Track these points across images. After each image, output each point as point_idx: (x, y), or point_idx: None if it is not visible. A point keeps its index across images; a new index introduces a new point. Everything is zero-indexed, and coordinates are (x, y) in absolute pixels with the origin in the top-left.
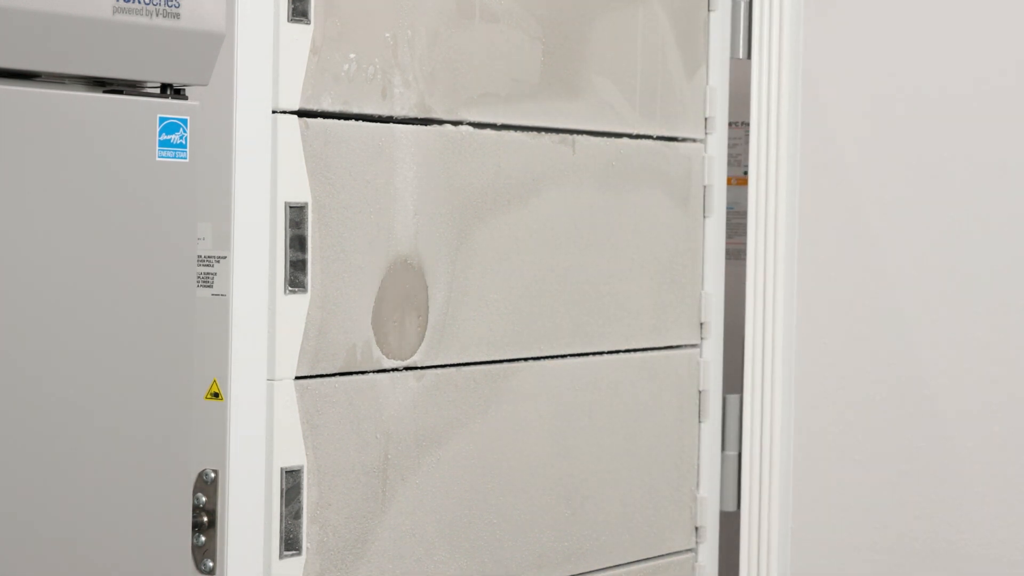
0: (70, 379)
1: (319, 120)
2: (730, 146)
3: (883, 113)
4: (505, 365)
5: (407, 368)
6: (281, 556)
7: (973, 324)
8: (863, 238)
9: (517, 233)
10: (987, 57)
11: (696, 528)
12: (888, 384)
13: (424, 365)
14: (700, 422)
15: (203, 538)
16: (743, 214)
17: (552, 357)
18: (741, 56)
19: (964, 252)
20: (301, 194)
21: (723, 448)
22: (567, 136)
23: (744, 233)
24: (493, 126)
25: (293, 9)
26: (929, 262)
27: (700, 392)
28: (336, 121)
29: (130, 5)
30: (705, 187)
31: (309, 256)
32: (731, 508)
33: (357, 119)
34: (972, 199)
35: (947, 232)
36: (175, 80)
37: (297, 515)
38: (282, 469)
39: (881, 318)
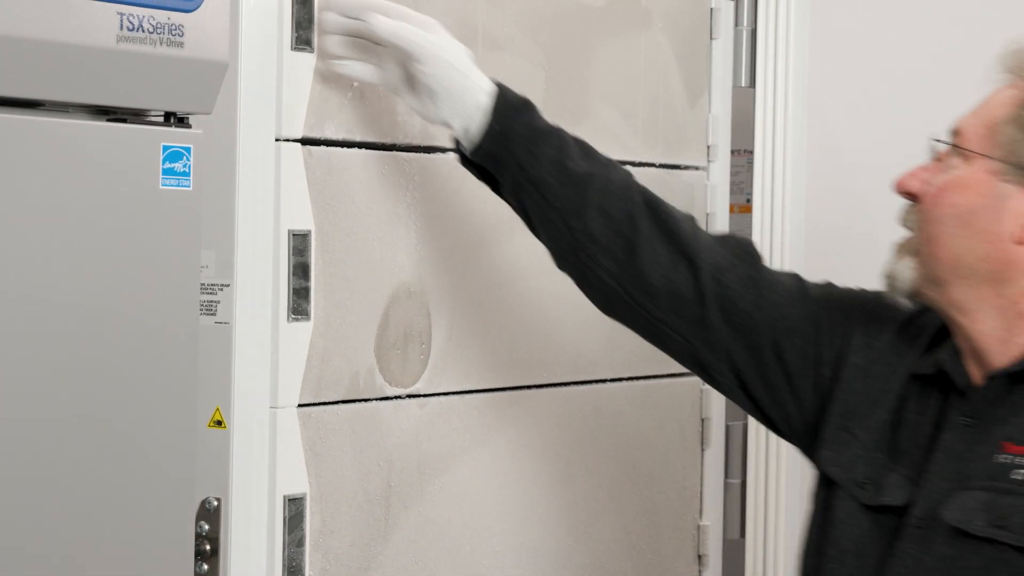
0: (72, 406)
1: (322, 148)
2: (733, 174)
3: (891, 140)
4: (508, 393)
5: (410, 396)
6: None
7: None
8: (871, 268)
9: (520, 261)
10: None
11: (699, 556)
12: None
13: (427, 393)
14: (703, 450)
15: (206, 566)
16: None
17: (555, 385)
18: (744, 84)
19: None
20: (304, 222)
21: (727, 476)
22: None
23: None
24: None
25: (296, 38)
26: None
27: (703, 420)
28: (339, 149)
29: (134, 34)
30: (708, 215)
31: (312, 284)
32: (735, 536)
33: (360, 147)
34: None
35: None
36: (179, 109)
37: (300, 543)
38: (285, 497)
39: None
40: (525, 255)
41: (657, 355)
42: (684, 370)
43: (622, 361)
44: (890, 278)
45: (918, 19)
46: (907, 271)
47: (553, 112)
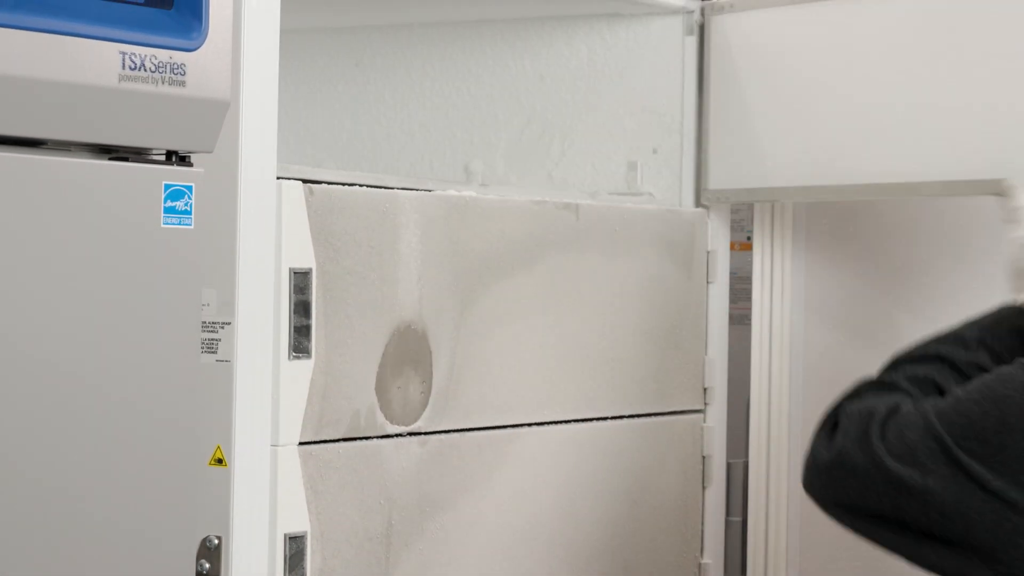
0: (74, 444)
1: (323, 186)
2: (733, 212)
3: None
4: (509, 431)
5: (411, 433)
6: None
7: None
8: (870, 303)
9: (521, 298)
10: None
11: None
12: None
13: (428, 431)
14: (704, 488)
15: None
16: (746, 279)
17: (556, 423)
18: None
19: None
20: (305, 260)
21: (728, 514)
22: (571, 203)
23: (747, 298)
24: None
25: None
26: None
27: (704, 457)
28: (340, 187)
29: (136, 73)
30: (708, 252)
31: (313, 322)
32: (736, 574)
33: (361, 185)
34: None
35: (955, 297)
36: (180, 147)
37: None
38: (286, 535)
39: None
40: (526, 293)
41: (658, 392)
42: (685, 407)
43: (623, 398)
44: None
45: None
46: None
47: None
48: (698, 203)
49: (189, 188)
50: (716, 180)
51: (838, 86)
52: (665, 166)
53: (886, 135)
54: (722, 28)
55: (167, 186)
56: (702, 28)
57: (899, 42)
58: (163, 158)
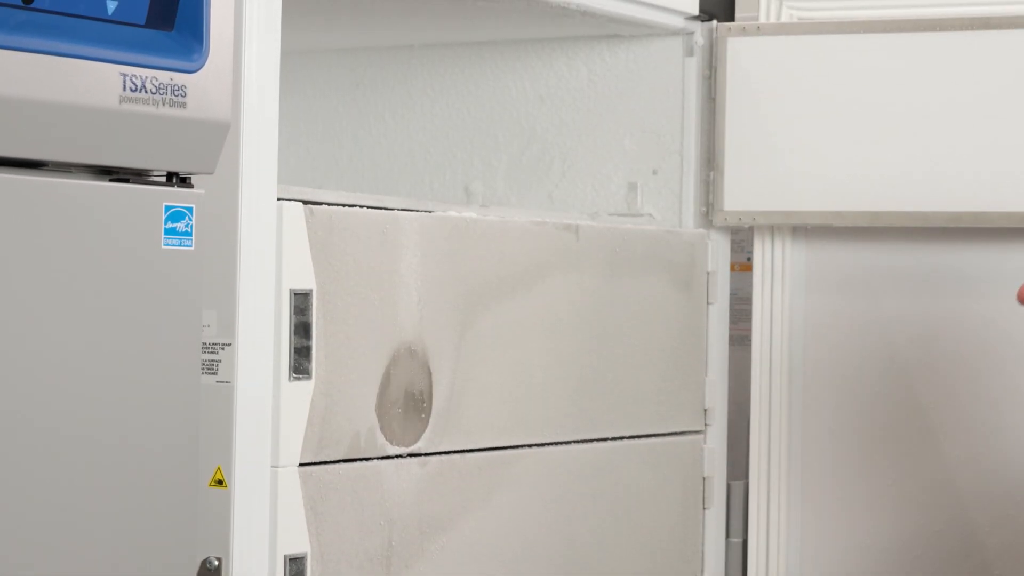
0: (74, 464)
1: (324, 207)
2: (733, 232)
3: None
4: (509, 452)
5: (411, 455)
6: None
7: (988, 409)
8: (871, 321)
9: (521, 319)
10: None
11: None
12: (897, 471)
13: (428, 452)
14: (705, 509)
15: None
16: (746, 300)
17: (556, 444)
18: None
19: (972, 330)
20: (306, 281)
21: (728, 535)
22: (571, 224)
23: (748, 319)
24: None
25: None
26: (938, 343)
27: (705, 478)
28: (341, 208)
29: (137, 95)
30: (708, 273)
31: (313, 343)
32: None
33: (362, 206)
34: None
35: (954, 315)
36: (181, 169)
37: None
38: (286, 556)
39: (889, 404)
40: (526, 315)
41: (658, 414)
42: (686, 428)
43: (623, 419)
44: None
45: None
46: None
47: None
48: (709, 224)
49: (190, 209)
50: (732, 201)
51: (856, 114)
52: (665, 187)
53: (907, 164)
54: (738, 51)
55: (168, 207)
56: (711, 50)
57: (920, 74)
58: (164, 179)
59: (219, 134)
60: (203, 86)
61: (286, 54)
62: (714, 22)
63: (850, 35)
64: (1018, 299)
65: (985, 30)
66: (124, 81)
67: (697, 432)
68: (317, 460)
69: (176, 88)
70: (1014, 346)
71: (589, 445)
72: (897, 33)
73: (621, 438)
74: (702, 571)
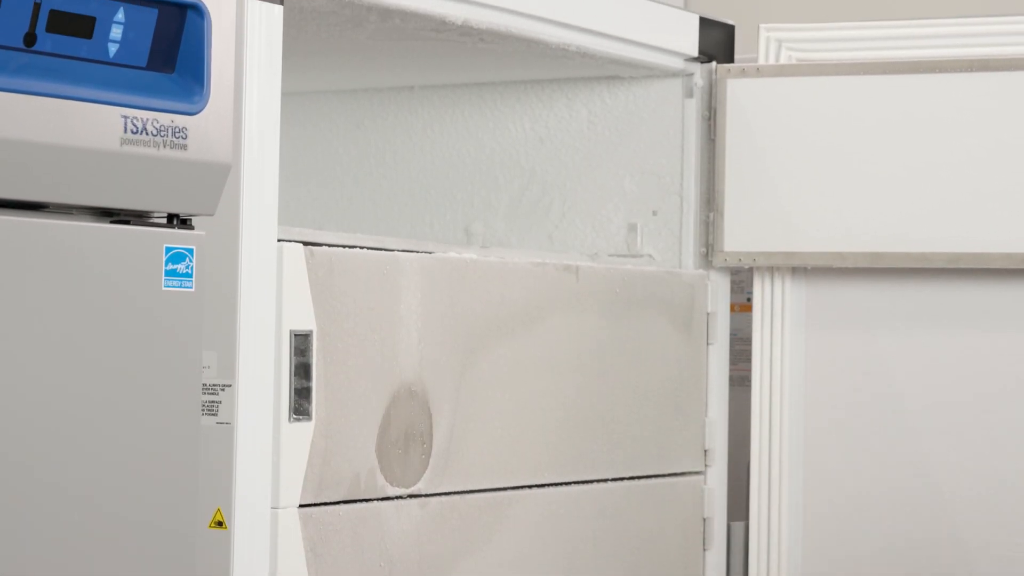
0: (74, 506)
1: (324, 248)
2: (733, 274)
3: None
4: (509, 492)
5: (411, 496)
6: None
7: (994, 457)
8: (872, 363)
9: (521, 360)
10: None
11: None
12: (901, 515)
13: (428, 493)
14: (705, 550)
15: None
16: (746, 340)
17: (556, 484)
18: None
19: (973, 369)
20: (306, 322)
21: None
22: (571, 264)
23: (747, 360)
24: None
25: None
26: (939, 383)
27: (705, 519)
28: (341, 249)
29: (138, 137)
30: (708, 314)
31: (313, 384)
32: None
33: (362, 247)
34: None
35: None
36: (182, 210)
37: None
38: None
39: (891, 446)
40: (526, 355)
41: (659, 454)
42: (686, 469)
43: (623, 460)
44: None
45: None
46: None
47: None
48: (709, 265)
49: (190, 251)
50: (732, 242)
51: (856, 155)
52: (665, 228)
53: (907, 204)
54: (737, 92)
55: (168, 249)
56: (711, 91)
57: (919, 115)
58: (164, 221)
59: (220, 176)
60: (204, 128)
61: (286, 95)
62: (713, 63)
63: (849, 77)
64: None
65: (984, 71)
66: (125, 123)
67: (697, 473)
68: (317, 501)
69: (177, 130)
70: (1015, 385)
71: (589, 486)
72: (896, 75)
73: (621, 479)
74: None
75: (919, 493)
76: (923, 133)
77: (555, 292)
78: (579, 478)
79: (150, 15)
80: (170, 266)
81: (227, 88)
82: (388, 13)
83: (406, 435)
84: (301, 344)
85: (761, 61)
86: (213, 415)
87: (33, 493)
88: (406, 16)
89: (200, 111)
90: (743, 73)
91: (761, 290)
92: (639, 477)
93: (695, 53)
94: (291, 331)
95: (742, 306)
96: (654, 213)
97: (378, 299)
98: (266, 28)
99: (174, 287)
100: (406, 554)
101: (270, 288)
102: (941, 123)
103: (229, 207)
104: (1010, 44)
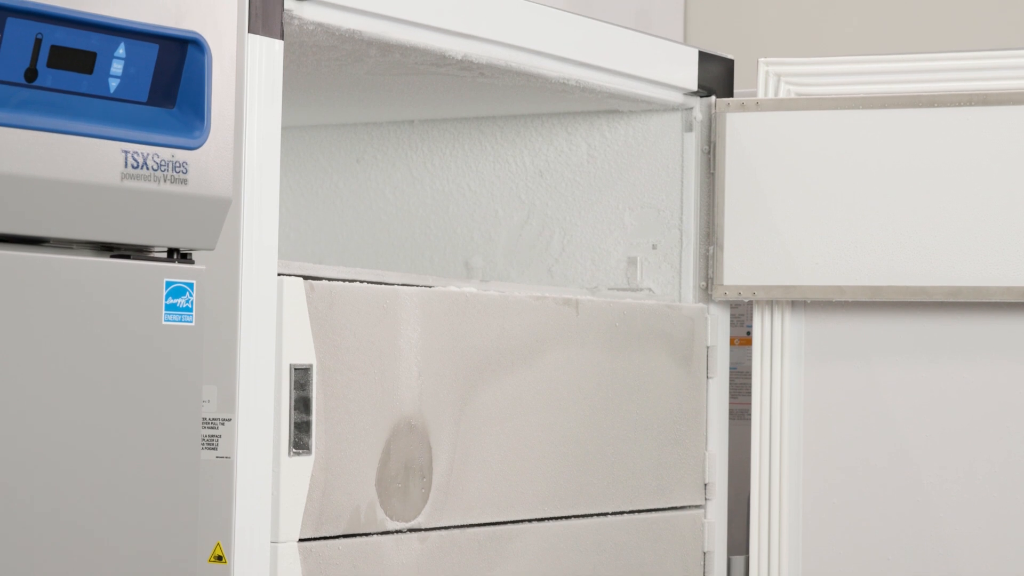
0: (75, 541)
1: (324, 283)
2: (732, 307)
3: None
4: (509, 526)
5: (411, 530)
6: None
7: (985, 484)
8: (872, 395)
9: (521, 394)
10: None
11: None
12: (902, 546)
13: (428, 527)
14: None
15: None
16: (746, 374)
17: (556, 518)
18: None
19: (976, 406)
20: (306, 356)
21: None
22: (571, 298)
23: (747, 393)
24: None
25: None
26: (941, 420)
27: (705, 553)
28: (341, 283)
29: (138, 171)
30: (708, 348)
31: (313, 418)
32: None
33: (362, 281)
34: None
35: (956, 385)
36: (182, 245)
37: None
38: None
39: (892, 479)
40: (526, 389)
41: (659, 488)
42: (686, 503)
43: (623, 494)
44: None
45: None
46: None
47: None
48: (708, 298)
49: (190, 285)
50: (731, 276)
51: (855, 189)
52: (665, 261)
53: (907, 238)
54: (736, 126)
55: (168, 283)
56: (710, 125)
57: (918, 149)
58: (164, 255)
59: (220, 210)
60: (204, 162)
61: (286, 129)
62: (713, 98)
63: (848, 111)
64: None
65: (983, 106)
66: (126, 158)
67: (697, 507)
68: (317, 535)
69: (177, 165)
70: (1015, 418)
71: (589, 520)
72: (895, 109)
73: (621, 512)
74: None
75: (920, 527)
76: (922, 167)
77: (555, 326)
78: (579, 512)
79: (151, 50)
80: (170, 300)
81: (227, 123)
82: (388, 48)
83: (406, 469)
84: (301, 378)
85: (760, 95)
86: (213, 449)
87: (33, 526)
88: (406, 51)
89: (200, 146)
90: (742, 107)
91: (761, 324)
92: (639, 511)
93: (694, 87)
94: (291, 365)
95: (742, 339)
96: (654, 247)
97: (378, 333)
98: (266, 63)
99: (174, 321)
100: None
101: (270, 322)
102: (940, 157)
103: (229, 241)
104: (1009, 78)
